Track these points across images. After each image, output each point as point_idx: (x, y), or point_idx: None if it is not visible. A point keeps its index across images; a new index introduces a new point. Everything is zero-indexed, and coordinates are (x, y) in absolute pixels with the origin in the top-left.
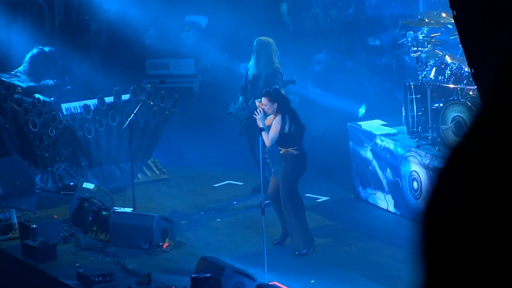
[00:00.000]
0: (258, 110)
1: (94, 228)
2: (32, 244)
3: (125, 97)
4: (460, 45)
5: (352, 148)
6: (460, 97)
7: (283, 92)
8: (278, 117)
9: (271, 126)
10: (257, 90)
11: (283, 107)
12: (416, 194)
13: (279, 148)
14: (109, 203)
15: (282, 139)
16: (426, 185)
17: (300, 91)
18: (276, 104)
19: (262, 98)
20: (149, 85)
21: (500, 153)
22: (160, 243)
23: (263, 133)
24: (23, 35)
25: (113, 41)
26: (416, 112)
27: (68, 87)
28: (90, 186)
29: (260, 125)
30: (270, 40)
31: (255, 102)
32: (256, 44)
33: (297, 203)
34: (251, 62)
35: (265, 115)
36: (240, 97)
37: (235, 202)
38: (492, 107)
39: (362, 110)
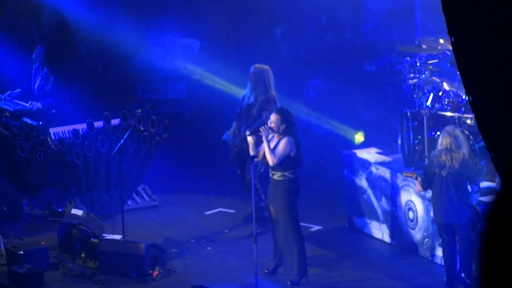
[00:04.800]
0: (264, 127)
1: (83, 255)
2: (20, 270)
3: (115, 121)
4: (458, 72)
5: (347, 176)
6: (457, 126)
7: None
8: (289, 139)
9: (280, 145)
10: (250, 117)
11: (291, 130)
12: (412, 224)
13: (273, 172)
14: (98, 229)
15: (284, 162)
16: (422, 215)
17: (294, 118)
18: (284, 125)
19: (273, 114)
20: (140, 110)
21: None
22: (150, 271)
23: (267, 150)
24: (11, 57)
25: (104, 64)
26: (412, 141)
27: (53, 111)
28: (79, 212)
29: (265, 142)
30: (266, 67)
31: (248, 129)
32: (253, 71)
33: (298, 230)
34: (247, 90)
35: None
36: (233, 124)
37: (226, 230)
38: None
39: (360, 138)
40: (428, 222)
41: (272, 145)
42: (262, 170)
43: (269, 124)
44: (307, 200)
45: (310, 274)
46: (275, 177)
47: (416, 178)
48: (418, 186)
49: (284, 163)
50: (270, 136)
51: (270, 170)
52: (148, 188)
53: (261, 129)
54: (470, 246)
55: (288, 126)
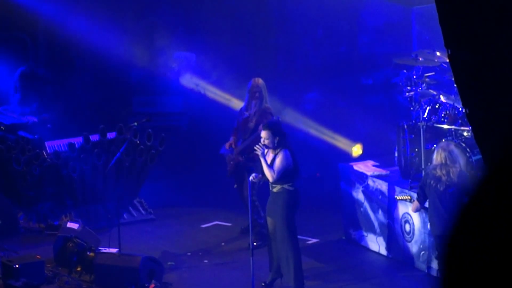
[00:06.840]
0: (258, 145)
1: (79, 269)
2: (15, 284)
3: (111, 135)
4: (454, 85)
5: (344, 189)
6: (454, 138)
7: None
8: (285, 152)
9: (278, 160)
10: (247, 131)
11: (284, 141)
12: (408, 236)
13: (273, 185)
14: (94, 243)
15: (282, 175)
16: (419, 228)
17: (290, 130)
18: (277, 138)
19: (263, 132)
20: (136, 123)
21: None
22: (146, 285)
23: (265, 167)
24: (6, 71)
25: (99, 78)
26: (409, 153)
27: (48, 126)
28: (75, 225)
29: (262, 160)
30: (262, 81)
31: (244, 142)
32: (251, 85)
33: (295, 242)
34: (245, 103)
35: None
36: (230, 138)
37: (223, 243)
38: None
39: (358, 151)
40: (425, 235)
41: (268, 160)
42: (261, 183)
43: (262, 142)
44: (304, 213)
45: (307, 287)
46: (274, 190)
47: (410, 201)
48: (413, 206)
49: (282, 176)
50: (265, 152)
51: (269, 183)
52: (144, 202)
53: (255, 148)
54: None
55: (281, 137)
